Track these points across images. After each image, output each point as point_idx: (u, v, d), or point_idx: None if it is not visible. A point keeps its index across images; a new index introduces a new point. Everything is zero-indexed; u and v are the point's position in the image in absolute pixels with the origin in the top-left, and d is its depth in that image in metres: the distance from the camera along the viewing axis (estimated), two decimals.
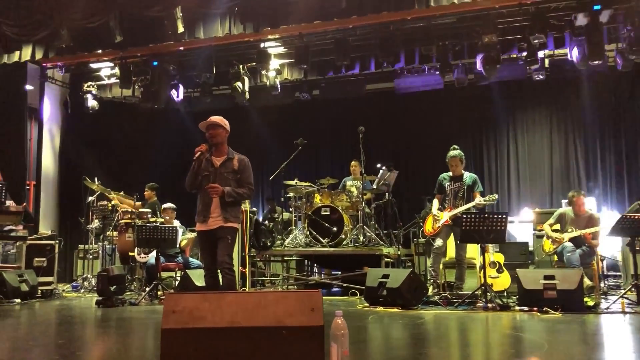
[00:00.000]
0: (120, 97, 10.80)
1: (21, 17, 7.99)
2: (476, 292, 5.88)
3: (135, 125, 11.20)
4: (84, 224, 8.76)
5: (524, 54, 8.49)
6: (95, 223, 8.60)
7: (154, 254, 7.04)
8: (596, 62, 7.89)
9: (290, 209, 8.63)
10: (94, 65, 10.32)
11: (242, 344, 2.63)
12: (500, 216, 5.79)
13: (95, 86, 10.57)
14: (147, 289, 6.79)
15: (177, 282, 7.33)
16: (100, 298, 6.36)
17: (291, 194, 8.26)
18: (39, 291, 7.18)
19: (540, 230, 7.42)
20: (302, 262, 9.06)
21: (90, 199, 8.61)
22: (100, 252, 8.55)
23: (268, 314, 2.68)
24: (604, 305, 5.60)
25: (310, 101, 10.62)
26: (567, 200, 7.18)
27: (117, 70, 9.85)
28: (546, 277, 5.47)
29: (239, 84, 9.53)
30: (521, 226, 8.96)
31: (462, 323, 4.97)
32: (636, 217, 5.68)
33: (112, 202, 8.30)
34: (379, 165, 8.12)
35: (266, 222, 9.17)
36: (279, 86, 9.81)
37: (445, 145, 7.06)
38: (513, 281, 6.42)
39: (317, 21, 8.19)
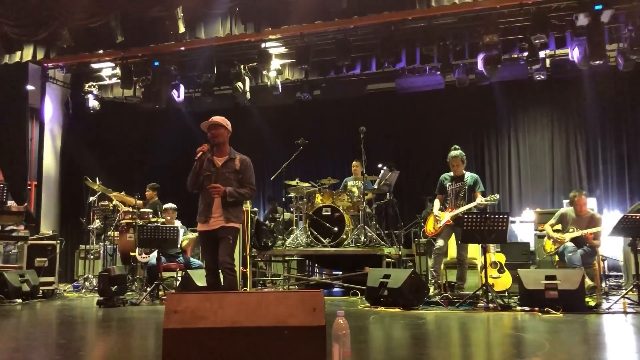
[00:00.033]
0: (121, 97, 10.80)
1: (22, 17, 7.99)
2: (477, 292, 5.88)
3: (136, 126, 11.21)
4: (85, 224, 8.77)
5: (525, 54, 8.49)
6: (97, 223, 8.61)
7: (155, 254, 7.04)
8: (597, 62, 7.89)
9: (292, 209, 8.63)
10: (95, 66, 10.33)
11: (243, 344, 2.63)
12: (501, 216, 5.79)
13: (96, 86, 10.58)
14: (148, 289, 6.79)
15: (178, 282, 7.34)
16: (101, 298, 6.36)
17: (292, 194, 8.26)
18: (40, 291, 7.18)
19: (541, 231, 7.42)
20: (303, 262, 9.05)
21: (91, 199, 8.62)
22: (101, 252, 8.55)
23: (270, 314, 2.68)
24: (605, 305, 5.60)
25: (311, 101, 10.62)
26: (568, 201, 7.18)
27: (118, 71, 9.86)
28: (547, 277, 5.47)
29: (239, 84, 9.54)
30: (522, 226, 8.96)
31: (464, 323, 4.97)
32: (637, 217, 5.67)
33: (113, 202, 8.31)
34: (380, 166, 8.12)
35: (267, 222, 9.17)
36: (280, 86, 9.82)
37: (446, 145, 7.06)
38: (514, 281, 6.42)
39: (318, 21, 8.19)
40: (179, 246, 7.40)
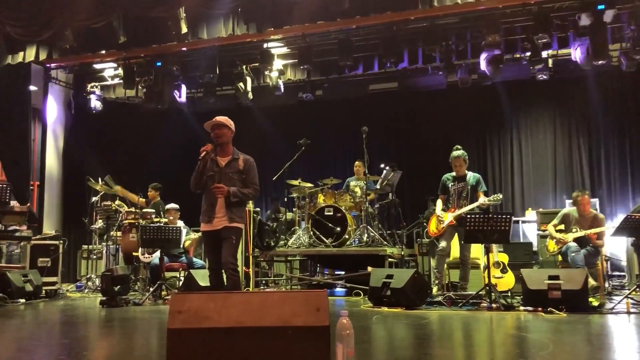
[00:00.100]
0: (123, 97, 10.81)
1: (25, 17, 8.00)
2: (480, 292, 5.87)
3: (139, 126, 11.23)
4: (88, 224, 8.79)
5: (528, 54, 8.46)
6: (99, 223, 8.62)
7: (157, 254, 7.05)
8: (600, 62, 7.86)
9: (294, 209, 8.63)
10: (97, 66, 10.33)
11: (247, 344, 2.63)
12: (504, 216, 5.78)
13: (98, 87, 10.59)
14: (151, 289, 6.80)
15: (180, 282, 7.34)
16: (104, 298, 6.37)
17: (295, 194, 8.26)
18: (43, 291, 7.20)
19: (544, 231, 7.41)
20: (305, 262, 9.05)
21: (94, 199, 8.64)
22: (104, 252, 8.56)
23: (274, 314, 2.68)
24: (608, 305, 5.59)
25: (314, 101, 10.61)
26: (571, 201, 7.17)
27: (120, 71, 9.86)
28: (551, 277, 5.46)
29: (241, 84, 9.54)
30: (524, 226, 8.96)
31: (467, 323, 4.97)
32: None
33: (116, 202, 8.32)
34: (382, 166, 8.11)
35: (269, 222, 9.18)
36: (282, 86, 9.81)
37: (448, 145, 7.06)
38: (517, 281, 6.42)
39: (320, 21, 8.18)
40: (181, 246, 7.40)
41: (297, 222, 8.52)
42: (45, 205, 10.47)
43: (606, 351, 3.77)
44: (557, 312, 5.18)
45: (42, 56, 8.78)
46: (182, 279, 7.29)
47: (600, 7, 7.40)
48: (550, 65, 9.16)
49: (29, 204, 8.93)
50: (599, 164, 9.74)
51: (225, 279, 4.52)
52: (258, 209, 8.66)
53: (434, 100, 10.34)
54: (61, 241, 8.05)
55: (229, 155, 4.69)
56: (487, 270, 5.88)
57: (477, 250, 6.99)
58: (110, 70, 10.41)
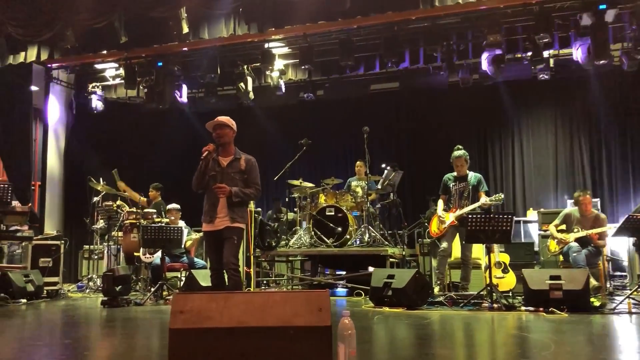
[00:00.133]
0: (125, 97, 10.81)
1: (26, 17, 8.00)
2: (482, 293, 5.86)
3: (140, 126, 11.24)
4: (89, 224, 8.79)
5: (529, 53, 8.46)
6: (100, 223, 8.63)
7: (159, 254, 7.05)
8: (601, 62, 7.85)
9: (295, 209, 8.63)
10: (98, 66, 10.34)
11: (249, 344, 2.63)
12: (505, 216, 5.78)
13: (100, 87, 10.60)
14: (152, 289, 6.80)
15: (182, 282, 7.34)
16: (105, 298, 6.37)
17: (296, 194, 8.26)
18: (45, 291, 7.20)
19: (545, 231, 7.40)
20: (306, 262, 9.05)
21: (95, 199, 8.64)
22: (105, 252, 8.57)
23: (275, 314, 2.68)
24: (610, 305, 5.59)
25: (315, 101, 10.61)
26: (572, 201, 7.16)
27: (121, 71, 9.87)
28: (552, 278, 5.46)
29: (242, 84, 9.55)
30: (526, 226, 8.94)
31: (468, 323, 4.97)
32: None
33: (117, 202, 8.32)
34: (383, 166, 8.11)
35: (271, 222, 9.17)
36: (283, 86, 9.82)
37: (449, 145, 7.05)
38: (519, 281, 6.41)
39: (322, 21, 8.17)
40: (182, 246, 7.41)
41: (299, 222, 8.52)
42: (47, 206, 10.49)
43: (608, 351, 3.76)
44: (559, 312, 5.18)
45: (44, 56, 8.79)
46: (184, 279, 7.29)
47: (602, 6, 7.39)
48: (551, 65, 9.16)
49: (30, 204, 8.94)
50: (601, 164, 9.73)
51: (226, 279, 4.52)
52: (259, 209, 8.66)
53: (435, 100, 10.33)
54: (62, 241, 8.06)
55: (231, 155, 4.69)
56: (488, 270, 5.88)
57: (478, 251, 6.99)
58: (111, 70, 10.42)
